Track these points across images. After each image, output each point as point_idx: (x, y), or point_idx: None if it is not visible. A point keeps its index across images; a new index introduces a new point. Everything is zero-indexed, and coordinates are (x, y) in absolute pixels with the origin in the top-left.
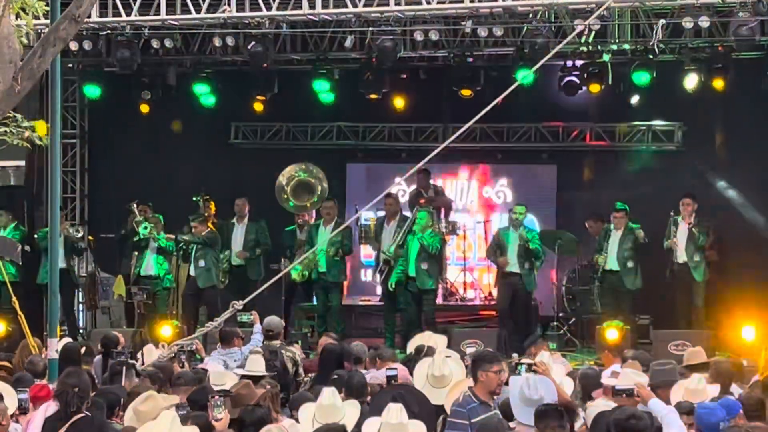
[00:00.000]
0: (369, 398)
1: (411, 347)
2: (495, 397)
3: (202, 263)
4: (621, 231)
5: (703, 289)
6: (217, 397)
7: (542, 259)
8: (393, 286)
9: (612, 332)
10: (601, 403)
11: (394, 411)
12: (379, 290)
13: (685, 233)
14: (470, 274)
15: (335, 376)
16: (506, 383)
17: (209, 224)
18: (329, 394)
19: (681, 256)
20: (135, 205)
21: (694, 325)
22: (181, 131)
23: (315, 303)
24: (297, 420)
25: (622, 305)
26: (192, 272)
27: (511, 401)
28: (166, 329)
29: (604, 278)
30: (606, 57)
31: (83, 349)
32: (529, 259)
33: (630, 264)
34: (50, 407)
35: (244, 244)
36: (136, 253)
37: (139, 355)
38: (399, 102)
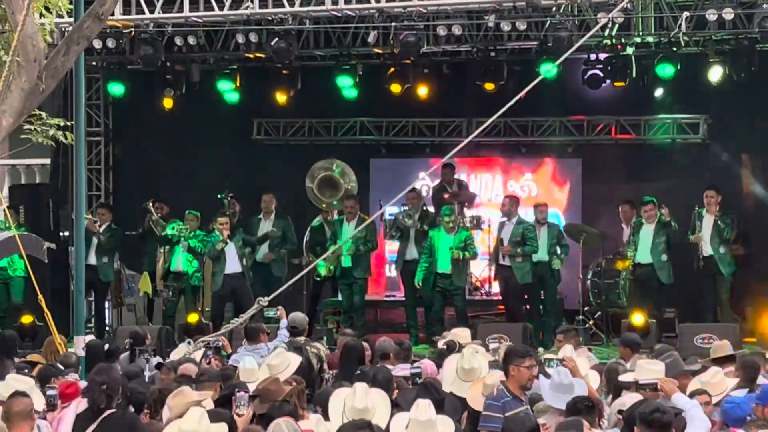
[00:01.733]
0: (396, 393)
1: (443, 343)
2: (526, 392)
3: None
4: (653, 224)
5: (729, 282)
6: (242, 393)
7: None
8: (420, 283)
9: (638, 319)
10: (631, 398)
11: (423, 407)
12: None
13: (710, 226)
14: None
15: (359, 372)
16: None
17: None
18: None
19: (707, 250)
20: (151, 204)
21: (721, 319)
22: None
23: (340, 299)
24: (322, 415)
25: (650, 299)
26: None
27: (542, 389)
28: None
29: (635, 271)
30: (630, 50)
31: (106, 346)
32: (526, 252)
33: (664, 257)
34: (81, 404)
35: (270, 240)
36: (165, 249)
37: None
38: (422, 97)
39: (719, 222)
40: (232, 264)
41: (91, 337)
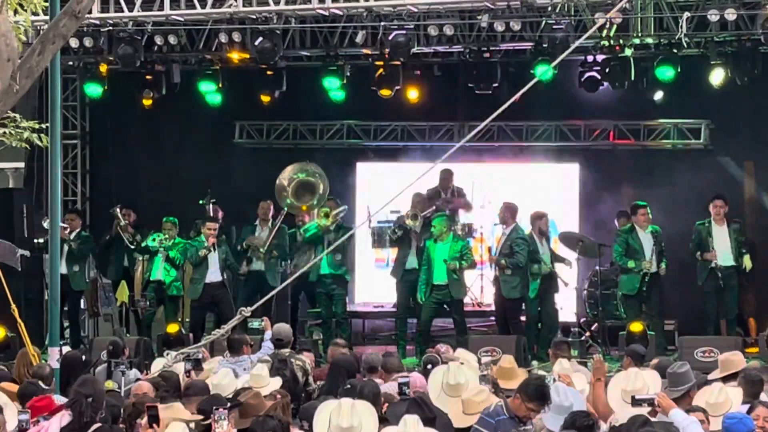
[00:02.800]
0: (385, 407)
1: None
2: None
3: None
4: (648, 231)
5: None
6: (221, 409)
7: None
8: (423, 298)
9: (637, 333)
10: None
11: (411, 423)
12: (390, 296)
13: (725, 237)
14: (487, 279)
15: (348, 386)
16: None
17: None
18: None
19: (726, 260)
20: (118, 210)
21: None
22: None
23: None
24: (307, 430)
25: (649, 310)
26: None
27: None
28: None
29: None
30: (628, 52)
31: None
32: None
33: (663, 266)
34: (65, 417)
35: (267, 247)
36: (145, 258)
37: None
38: (412, 99)
39: (732, 232)
40: (214, 273)
41: (66, 348)
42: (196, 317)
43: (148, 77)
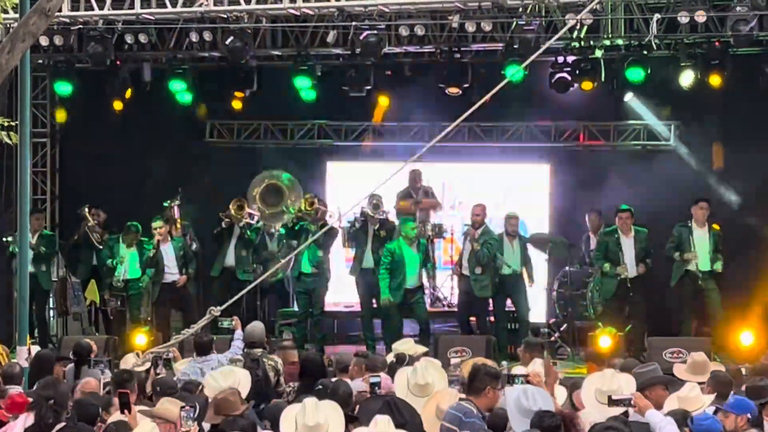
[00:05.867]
0: (357, 407)
1: (392, 355)
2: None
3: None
4: (631, 235)
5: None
6: (188, 407)
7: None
8: (390, 300)
9: (604, 340)
10: (595, 412)
11: (382, 423)
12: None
13: (704, 240)
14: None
15: (320, 387)
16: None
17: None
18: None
19: (704, 265)
20: (87, 210)
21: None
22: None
23: (296, 309)
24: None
25: (627, 313)
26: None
27: (509, 412)
28: (140, 338)
29: (631, 287)
30: (599, 53)
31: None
32: (480, 263)
33: (642, 270)
34: (29, 419)
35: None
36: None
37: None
38: (383, 99)
39: (714, 235)
40: (172, 272)
41: (36, 347)
42: (160, 317)
43: (118, 76)
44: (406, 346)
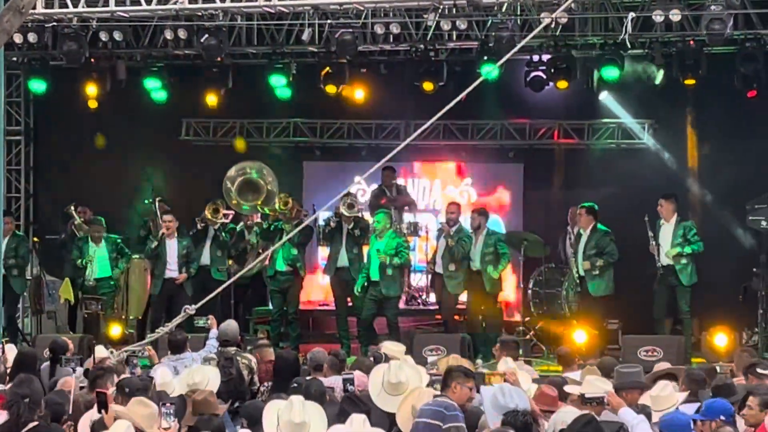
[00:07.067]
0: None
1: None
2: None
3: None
4: (588, 232)
5: (690, 293)
6: (168, 404)
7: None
8: (359, 290)
9: (579, 336)
10: (569, 410)
11: (357, 422)
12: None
13: (669, 235)
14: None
15: (294, 384)
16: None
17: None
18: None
19: (665, 259)
20: (73, 208)
21: (682, 332)
22: (104, 146)
23: (270, 307)
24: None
25: (591, 311)
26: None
27: (485, 409)
28: (115, 329)
29: (581, 283)
30: (573, 52)
31: None
32: (454, 260)
33: (596, 271)
34: (2, 416)
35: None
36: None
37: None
38: (359, 97)
39: (680, 228)
40: (172, 268)
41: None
42: (156, 311)
43: (92, 74)
44: (394, 347)
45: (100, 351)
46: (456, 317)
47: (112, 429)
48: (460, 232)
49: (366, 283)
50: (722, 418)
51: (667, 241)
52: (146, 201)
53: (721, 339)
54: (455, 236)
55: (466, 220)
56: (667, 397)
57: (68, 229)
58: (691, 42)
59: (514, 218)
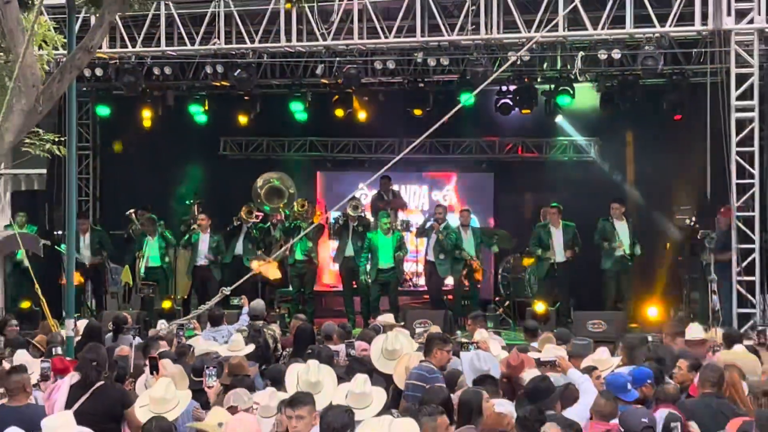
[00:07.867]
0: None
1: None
2: (443, 371)
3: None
4: (560, 227)
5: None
6: (211, 367)
7: (455, 252)
8: (367, 278)
9: (539, 308)
10: (531, 372)
11: (360, 381)
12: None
13: (626, 231)
14: (421, 265)
15: (309, 350)
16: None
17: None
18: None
19: (625, 250)
20: (133, 214)
21: (624, 309)
22: (122, 150)
23: (290, 289)
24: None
25: (561, 292)
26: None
27: (464, 370)
28: (166, 306)
29: (552, 269)
30: (535, 83)
31: None
32: (444, 251)
33: (569, 255)
34: (74, 377)
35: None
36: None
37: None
38: (362, 119)
39: (629, 227)
40: (201, 258)
41: (83, 321)
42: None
43: (147, 101)
44: (386, 318)
45: (160, 324)
46: (442, 297)
47: (209, 418)
48: (447, 228)
49: (372, 270)
50: (649, 381)
51: (626, 237)
52: (188, 202)
53: (652, 311)
54: (443, 231)
55: (450, 218)
56: (606, 360)
57: (129, 229)
58: (629, 75)
59: (487, 217)
